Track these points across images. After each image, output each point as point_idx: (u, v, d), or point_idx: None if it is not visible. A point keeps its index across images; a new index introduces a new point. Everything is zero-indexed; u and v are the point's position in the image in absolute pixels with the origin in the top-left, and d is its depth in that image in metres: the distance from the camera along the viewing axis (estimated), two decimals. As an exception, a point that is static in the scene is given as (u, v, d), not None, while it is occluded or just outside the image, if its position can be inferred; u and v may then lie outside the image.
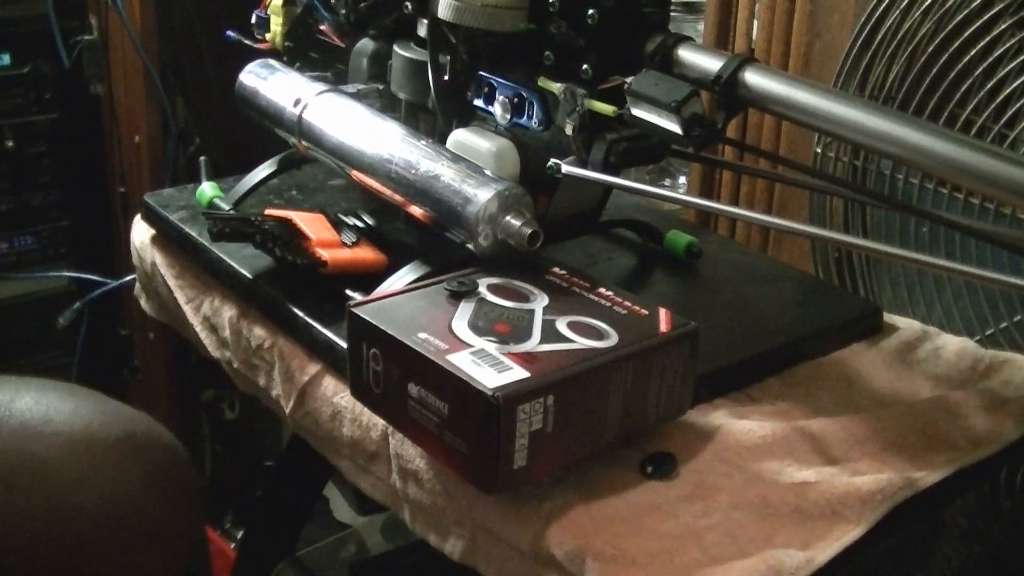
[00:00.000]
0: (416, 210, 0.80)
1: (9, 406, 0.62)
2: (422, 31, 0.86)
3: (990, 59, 0.87)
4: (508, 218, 0.74)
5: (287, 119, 0.90)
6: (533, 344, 0.65)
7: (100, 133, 1.68)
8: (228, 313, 0.87)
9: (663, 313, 0.69)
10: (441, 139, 0.85)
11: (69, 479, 0.60)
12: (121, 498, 0.61)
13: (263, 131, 0.95)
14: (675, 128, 0.70)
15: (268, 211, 0.84)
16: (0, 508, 0.58)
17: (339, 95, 0.89)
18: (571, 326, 0.67)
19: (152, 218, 0.97)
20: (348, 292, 0.78)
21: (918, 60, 0.91)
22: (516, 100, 0.81)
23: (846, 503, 0.64)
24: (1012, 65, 0.85)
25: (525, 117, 0.81)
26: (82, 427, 0.62)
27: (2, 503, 0.58)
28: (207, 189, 0.95)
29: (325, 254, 0.80)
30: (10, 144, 1.60)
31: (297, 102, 0.89)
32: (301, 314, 0.79)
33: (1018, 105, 0.85)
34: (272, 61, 0.96)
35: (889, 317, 0.87)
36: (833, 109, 0.67)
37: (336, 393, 0.76)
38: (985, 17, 0.86)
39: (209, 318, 0.89)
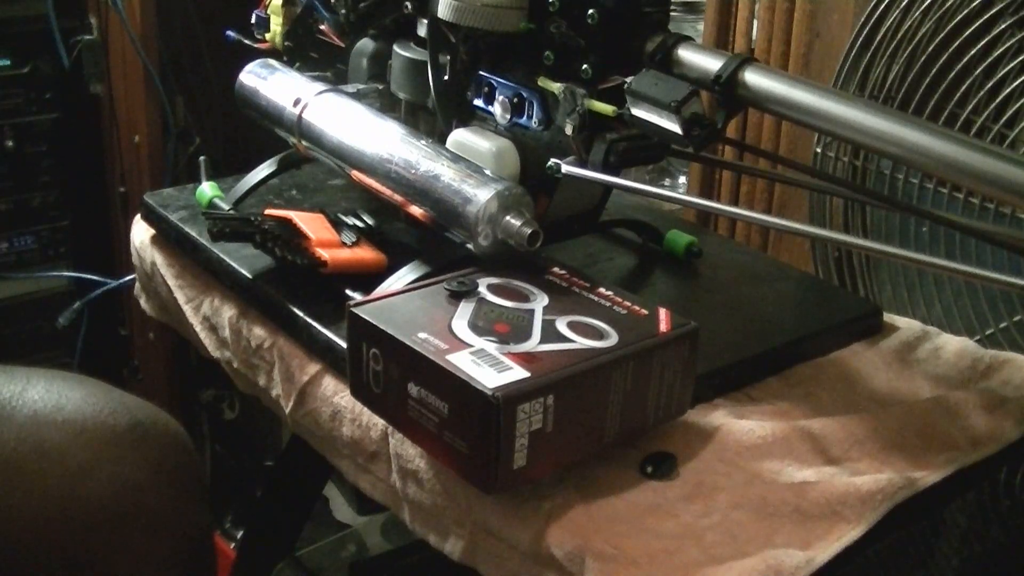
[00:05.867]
0: (416, 210, 0.80)
1: (21, 395, 0.62)
2: (422, 31, 0.86)
3: (990, 59, 0.87)
4: (508, 218, 0.73)
5: (287, 119, 0.90)
6: (533, 344, 0.65)
7: (100, 133, 1.68)
8: (228, 313, 0.87)
9: (663, 313, 0.69)
10: (441, 139, 0.85)
11: (79, 466, 0.61)
12: (129, 485, 0.62)
13: (263, 131, 0.95)
14: (675, 128, 0.70)
15: (268, 211, 0.84)
16: (13, 493, 0.59)
17: (339, 95, 0.89)
18: (571, 326, 0.67)
19: (152, 218, 0.97)
20: (348, 292, 0.78)
21: (918, 60, 0.91)
22: (516, 100, 0.81)
23: (846, 503, 0.64)
24: (1012, 65, 0.85)
25: (525, 117, 0.80)
26: (92, 415, 0.63)
27: (15, 488, 0.59)
28: (207, 189, 0.95)
29: (325, 254, 0.79)
30: (10, 144, 1.60)
31: (297, 102, 0.89)
32: (301, 314, 0.79)
33: (1018, 105, 0.85)
34: (272, 61, 0.96)
35: (889, 317, 0.87)
36: (833, 109, 0.66)
37: (336, 393, 0.76)
38: (985, 17, 0.86)
39: (209, 318, 0.89)
